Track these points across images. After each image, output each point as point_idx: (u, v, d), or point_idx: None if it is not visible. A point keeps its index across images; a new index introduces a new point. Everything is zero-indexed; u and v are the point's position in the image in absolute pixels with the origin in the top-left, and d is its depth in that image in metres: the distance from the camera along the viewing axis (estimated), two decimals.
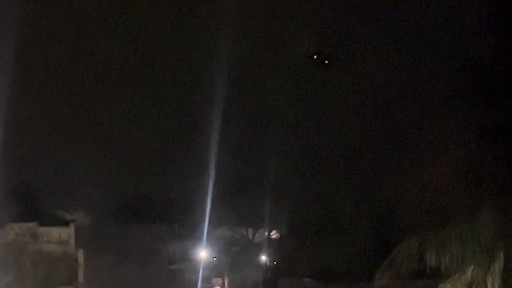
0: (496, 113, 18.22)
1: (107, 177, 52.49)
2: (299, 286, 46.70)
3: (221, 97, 44.90)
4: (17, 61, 41.57)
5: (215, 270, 56.35)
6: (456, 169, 18.15)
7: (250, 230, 57.10)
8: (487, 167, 17.88)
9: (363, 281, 38.80)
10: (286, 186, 50.62)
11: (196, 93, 49.39)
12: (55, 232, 52.08)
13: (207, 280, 55.16)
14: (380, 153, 43.39)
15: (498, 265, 17.81)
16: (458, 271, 18.31)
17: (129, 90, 52.42)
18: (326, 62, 46.47)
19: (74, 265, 50.35)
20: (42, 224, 52.09)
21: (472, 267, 18.14)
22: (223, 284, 55.36)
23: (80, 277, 50.46)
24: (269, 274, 53.61)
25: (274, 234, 56.78)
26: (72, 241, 51.77)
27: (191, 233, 54.73)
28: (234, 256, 55.75)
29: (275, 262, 55.42)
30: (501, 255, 17.86)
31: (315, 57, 46.39)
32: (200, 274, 53.30)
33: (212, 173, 46.18)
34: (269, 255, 55.74)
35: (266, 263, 55.80)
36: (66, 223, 53.90)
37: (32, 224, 50.79)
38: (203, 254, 54.28)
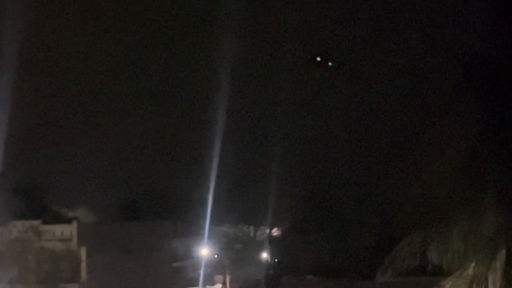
0: (497, 111, 18.29)
1: (110, 176, 52.70)
2: (301, 283, 46.69)
3: (224, 96, 45.08)
4: (19, 62, 41.74)
5: (217, 267, 56.45)
6: (458, 167, 18.21)
7: (252, 228, 57.16)
8: (488, 164, 17.94)
9: (365, 278, 38.91)
10: (288, 185, 50.72)
11: (199, 92, 49.56)
12: (58, 229, 52.34)
13: (209, 277, 55.29)
14: (382, 151, 43.47)
15: (499, 262, 17.86)
16: (460, 268, 18.36)
17: (133, 90, 52.61)
18: (328, 62, 46.60)
19: (76, 262, 50.52)
20: (45, 221, 52.34)
21: (473, 264, 18.18)
22: (225, 281, 55.40)
23: (83, 274, 50.64)
24: (271, 271, 53.61)
25: (275, 232, 56.80)
26: (75, 239, 52.02)
27: (193, 231, 54.90)
28: (236, 253, 55.82)
29: (276, 260, 55.42)
30: (503, 252, 17.92)
31: (318, 58, 46.54)
32: (202, 271, 53.43)
33: (214, 172, 46.32)
34: (271, 252, 55.73)
35: (268, 260, 55.80)
36: (69, 221, 54.18)
37: (35, 222, 51.02)
38: (205, 251, 54.37)
